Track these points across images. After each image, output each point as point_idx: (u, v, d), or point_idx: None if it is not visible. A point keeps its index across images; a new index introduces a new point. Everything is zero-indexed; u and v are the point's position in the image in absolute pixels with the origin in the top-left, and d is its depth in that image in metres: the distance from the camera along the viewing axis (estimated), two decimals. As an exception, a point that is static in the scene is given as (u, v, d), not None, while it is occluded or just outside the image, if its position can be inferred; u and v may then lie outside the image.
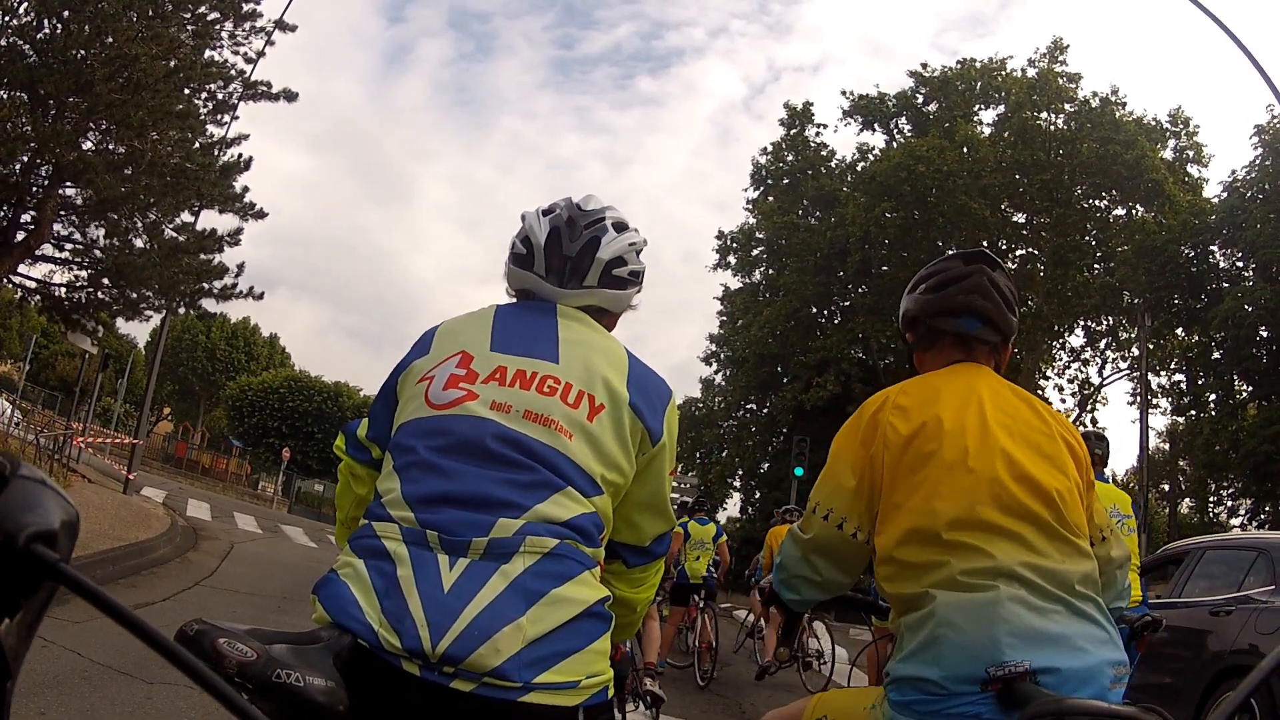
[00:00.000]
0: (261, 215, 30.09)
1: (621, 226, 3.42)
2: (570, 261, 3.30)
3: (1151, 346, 49.99)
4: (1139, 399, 47.30)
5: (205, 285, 29.39)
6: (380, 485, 2.87)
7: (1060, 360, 59.69)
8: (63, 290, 29.61)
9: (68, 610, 11.56)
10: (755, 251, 62.91)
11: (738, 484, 65.52)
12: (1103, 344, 57.68)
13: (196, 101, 28.88)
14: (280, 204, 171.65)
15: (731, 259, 63.14)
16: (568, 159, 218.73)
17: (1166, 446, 63.29)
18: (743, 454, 63.16)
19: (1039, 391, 55.64)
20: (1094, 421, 57.52)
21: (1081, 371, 59.14)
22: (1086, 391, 58.63)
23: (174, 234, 28.82)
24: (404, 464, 2.82)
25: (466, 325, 3.19)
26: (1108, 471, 11.20)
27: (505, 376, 2.94)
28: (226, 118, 30.31)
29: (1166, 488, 61.11)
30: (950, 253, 4.02)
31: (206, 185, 27.74)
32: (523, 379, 2.94)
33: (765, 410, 62.63)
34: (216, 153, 29.65)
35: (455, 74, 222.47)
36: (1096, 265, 53.44)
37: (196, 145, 28.53)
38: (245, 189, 29.81)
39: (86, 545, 15.54)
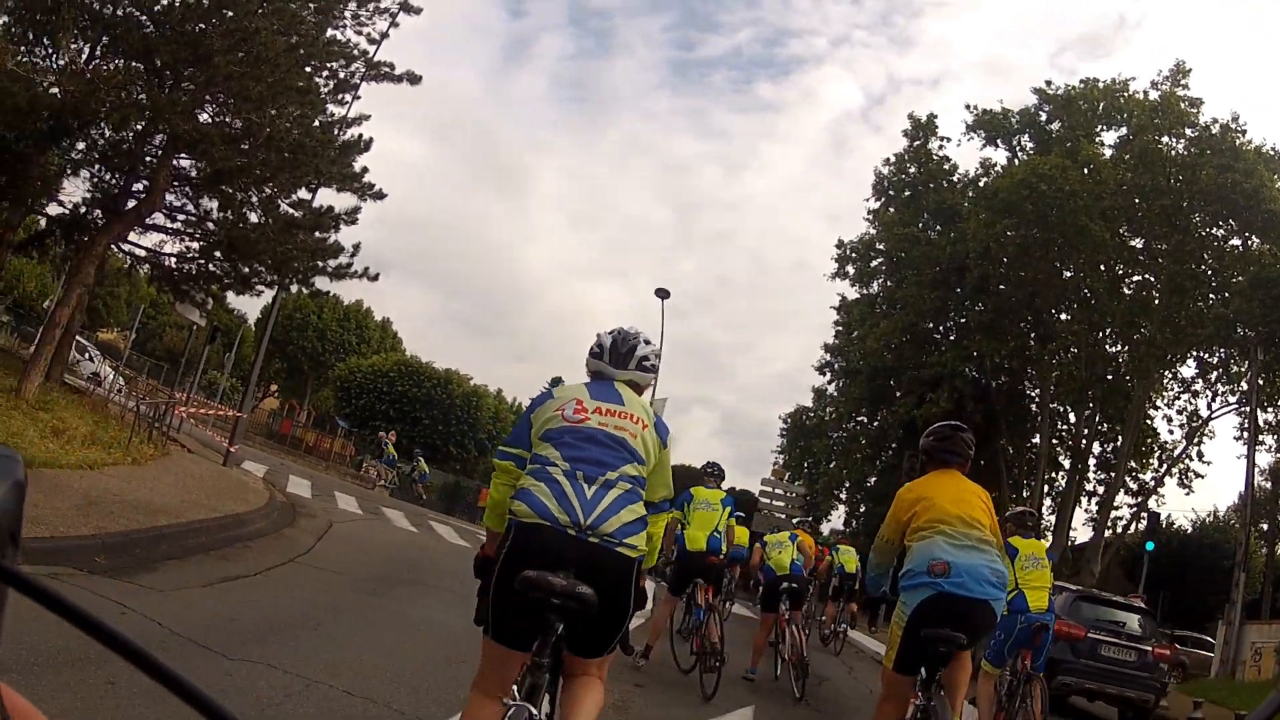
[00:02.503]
0: (380, 196, 30.00)
1: (647, 341, 6.65)
2: (621, 357, 6.50)
3: (1262, 382, 49.12)
4: (1247, 434, 46.77)
5: (319, 263, 29.16)
6: (540, 454, 5.98)
7: (1170, 391, 58.77)
8: (173, 260, 29.55)
9: (154, 578, 11.21)
10: (874, 263, 62.22)
11: (844, 496, 65.03)
12: (1213, 376, 56.70)
13: (318, 79, 28.70)
14: (395, 189, 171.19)
15: (850, 269, 62.39)
16: (682, 161, 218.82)
17: (1269, 484, 62.30)
18: (851, 466, 62.48)
19: (1148, 421, 58.27)
20: (1200, 455, 57.81)
21: (1191, 403, 58.19)
22: (1195, 424, 57.75)
23: (290, 210, 28.64)
24: (558, 444, 5.93)
25: (573, 388, 6.36)
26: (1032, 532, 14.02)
27: (603, 410, 6.13)
28: (348, 97, 30.15)
29: (1265, 527, 60.10)
30: (944, 424, 9.34)
31: (325, 163, 27.60)
32: (611, 411, 6.12)
33: (876, 424, 62.08)
34: (336, 131, 29.42)
35: (573, 69, 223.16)
36: (1212, 295, 52.13)
37: (316, 123, 28.21)
38: (364, 169, 29.67)
39: (180, 514, 15.38)
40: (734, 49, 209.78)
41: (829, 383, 65.77)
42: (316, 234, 28.85)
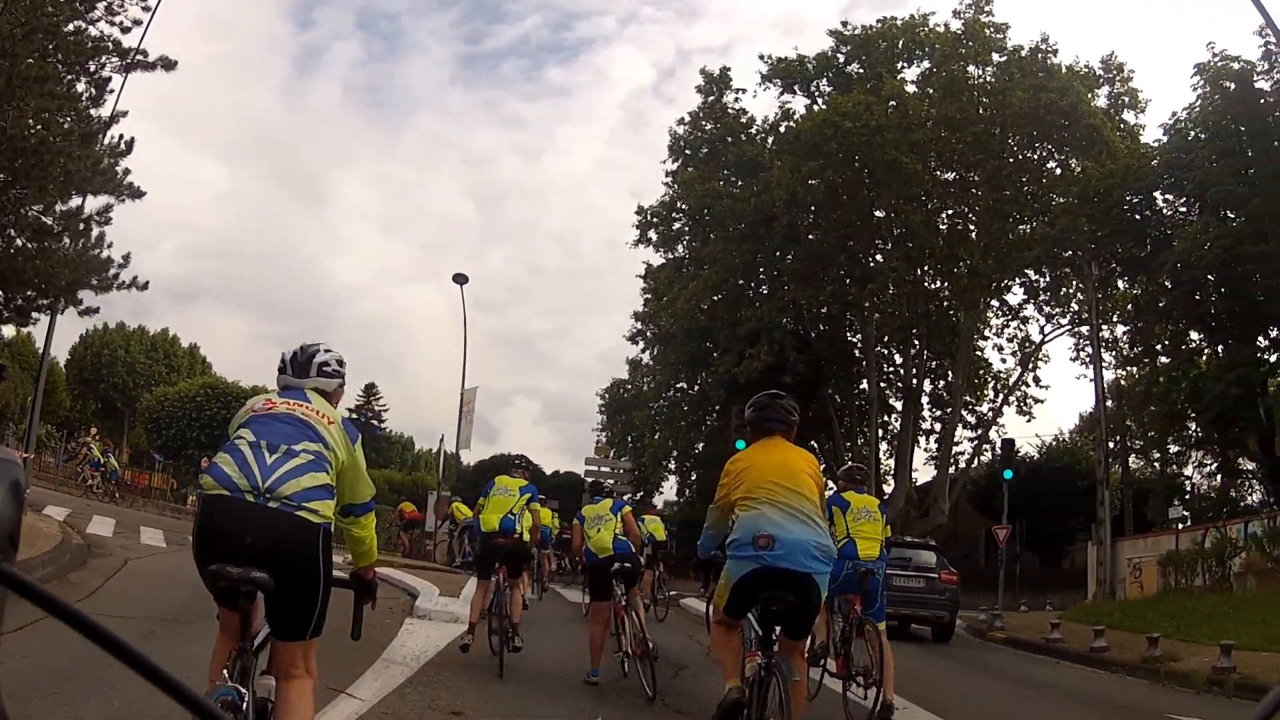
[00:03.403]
0: (138, 194, 27.95)
1: (328, 350, 7.23)
2: (301, 366, 7.02)
3: (1100, 296, 49.48)
4: (1092, 351, 47.94)
5: (87, 276, 27.08)
6: (232, 436, 6.54)
7: (999, 320, 58.57)
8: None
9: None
10: (676, 225, 61.20)
11: (673, 466, 64.28)
12: (1041, 299, 56.54)
13: (70, 76, 26.61)
14: (200, 217, 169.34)
15: (652, 234, 61.07)
16: (482, 154, 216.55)
17: (1110, 403, 62.35)
18: (676, 435, 61.59)
19: (978, 352, 59.09)
20: (1036, 380, 58.35)
21: (1021, 330, 58.03)
22: (1027, 350, 57.68)
23: (39, 217, 26.52)
24: (249, 425, 6.51)
25: (265, 394, 6.97)
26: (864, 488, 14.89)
27: (290, 403, 6.67)
28: (103, 96, 27.97)
29: (1113, 444, 60.05)
30: (762, 393, 9.89)
31: (78, 164, 25.41)
32: (298, 404, 6.68)
33: (696, 389, 61.24)
34: (98, 134, 27.33)
35: (366, 75, 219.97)
36: (1034, 219, 52.28)
37: (66, 124, 25.95)
38: (126, 170, 27.71)
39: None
40: (522, 37, 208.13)
41: (643, 351, 64.77)
42: (78, 244, 26.83)
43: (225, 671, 5.93)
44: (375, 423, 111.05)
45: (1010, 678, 21.96)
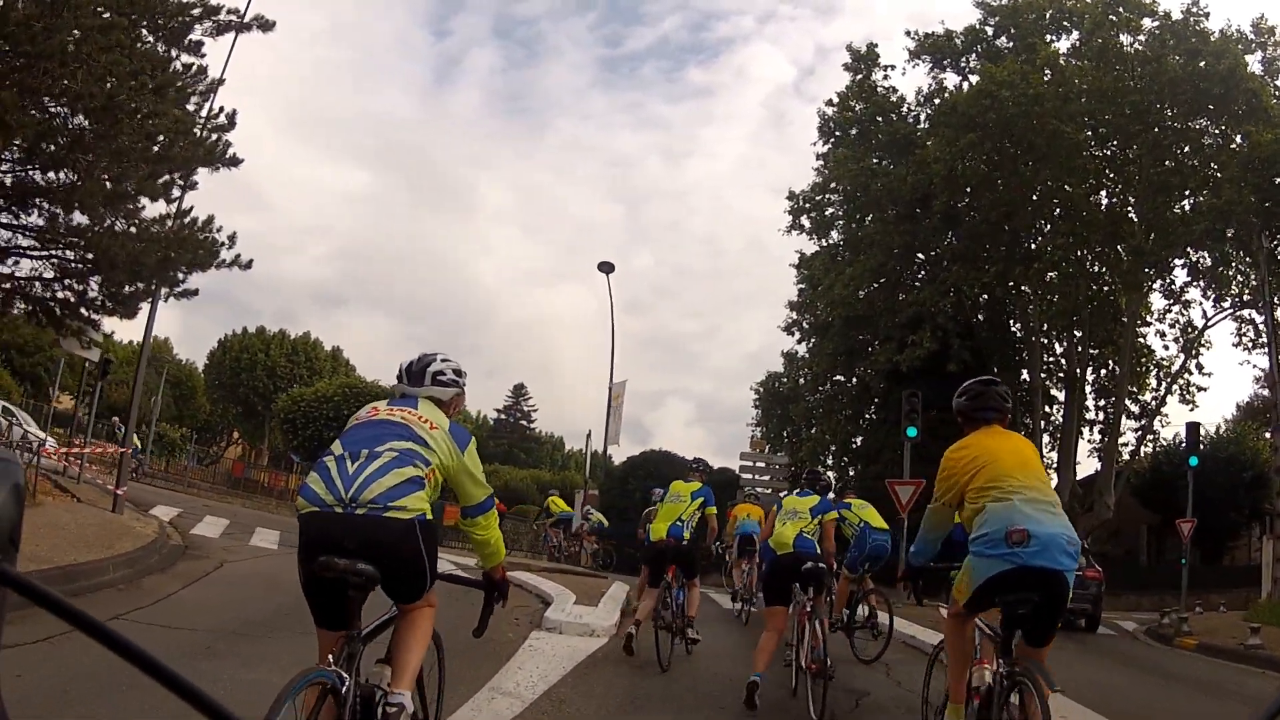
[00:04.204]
0: (235, 162, 25.92)
1: (444, 359, 7.33)
2: (415, 375, 7.19)
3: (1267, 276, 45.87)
4: (1267, 329, 44.56)
5: (179, 254, 25.01)
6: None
7: (1161, 305, 56.17)
8: (39, 287, 25.49)
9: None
10: (829, 211, 58.77)
11: (830, 461, 61.16)
12: (1204, 280, 54.18)
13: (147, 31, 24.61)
14: (344, 222, 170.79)
15: (805, 221, 58.61)
16: (624, 156, 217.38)
17: (1266, 391, 59.55)
18: (834, 429, 59.24)
19: (1141, 339, 56.34)
20: (1199, 367, 55.78)
21: (1183, 314, 55.68)
22: (1190, 335, 55.34)
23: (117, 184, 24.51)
24: (343, 437, 6.66)
25: (376, 403, 7.09)
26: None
27: (394, 409, 6.84)
28: (200, 58, 25.98)
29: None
30: (975, 380, 9.20)
31: (158, 123, 23.40)
32: (401, 409, 6.83)
33: (854, 381, 59.21)
34: (185, 91, 25.33)
35: (506, 81, 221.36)
36: (1197, 192, 49.39)
37: (142, 81, 23.72)
38: (227, 144, 25.78)
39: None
40: (661, 38, 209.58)
41: (799, 343, 62.47)
42: (174, 224, 24.85)
43: (330, 656, 6.10)
44: (524, 423, 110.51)
45: (1227, 694, 19.13)
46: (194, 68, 25.79)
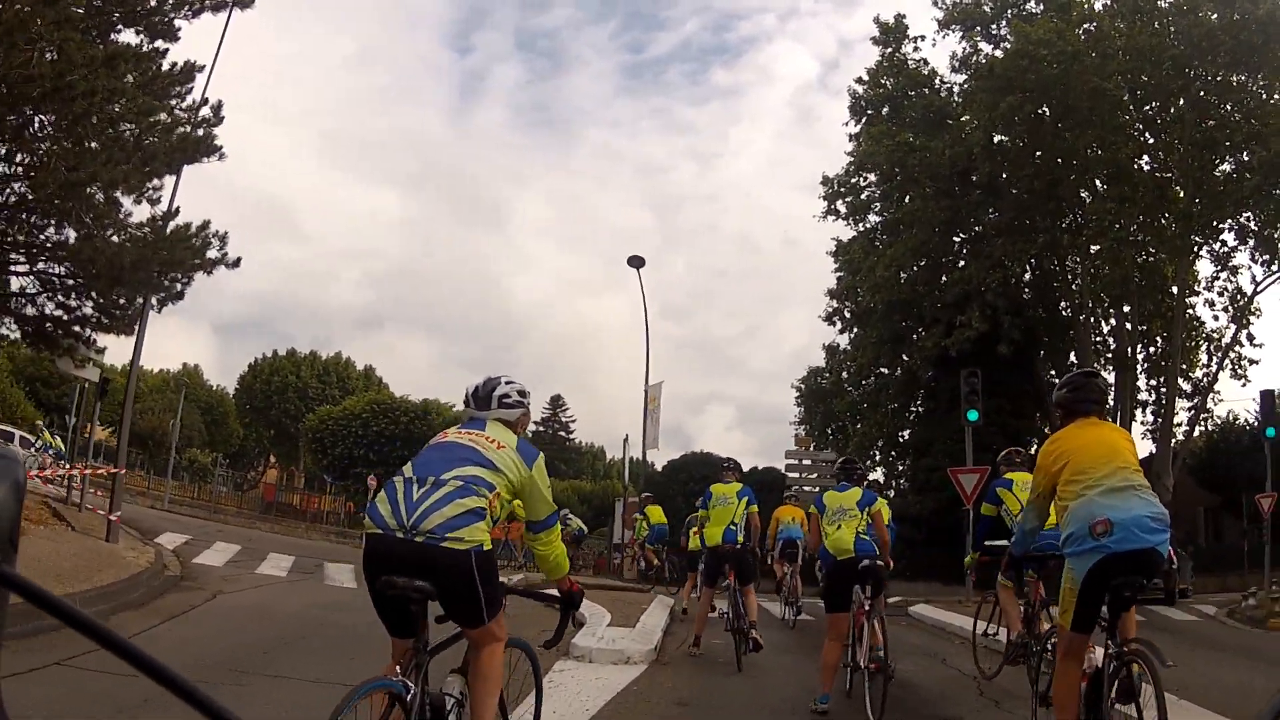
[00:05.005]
0: (211, 150, 24.47)
1: (508, 382, 7.60)
2: (482, 400, 7.47)
3: None
4: None
5: (156, 254, 23.37)
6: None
7: (1208, 272, 54.18)
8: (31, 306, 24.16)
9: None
10: (864, 194, 56.91)
11: (878, 456, 60.31)
12: (1253, 244, 51.72)
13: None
14: (379, 243, 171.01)
15: (840, 206, 56.79)
16: (654, 162, 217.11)
17: None
18: (881, 422, 58.03)
19: (1190, 310, 54.47)
20: (1250, 338, 53.62)
21: (1231, 281, 53.40)
22: (1239, 303, 53.16)
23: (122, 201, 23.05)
24: (414, 458, 7.08)
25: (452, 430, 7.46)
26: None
27: (463, 432, 7.22)
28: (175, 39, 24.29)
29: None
30: (1076, 372, 9.86)
31: (158, 136, 21.80)
32: (470, 432, 7.19)
33: (899, 371, 57.66)
34: (149, 70, 23.61)
35: (531, 94, 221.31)
36: (1243, 149, 47.09)
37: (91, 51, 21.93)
38: (211, 137, 24.22)
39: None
40: (683, 42, 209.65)
41: (840, 333, 60.57)
42: (157, 228, 23.24)
43: (398, 667, 6.37)
44: (563, 434, 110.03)
45: None
46: (170, 57, 24.21)
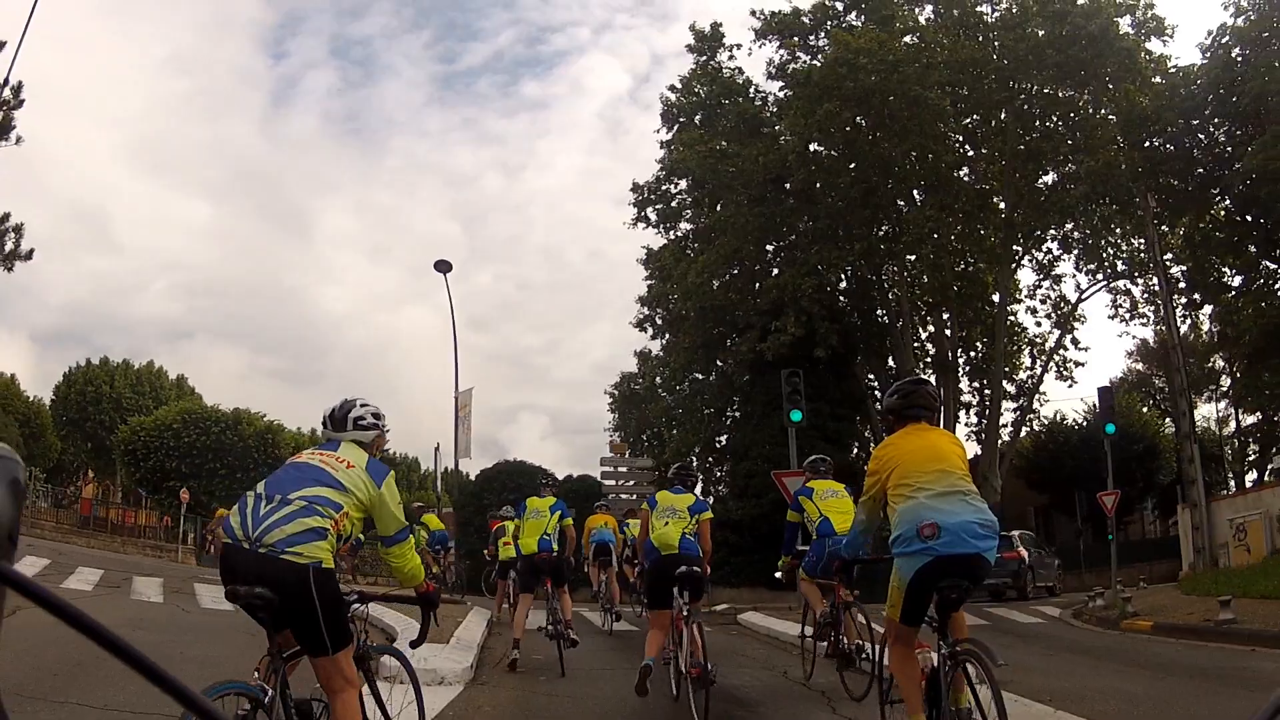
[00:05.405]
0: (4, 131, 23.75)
1: (364, 404, 7.92)
2: (338, 421, 7.77)
3: (1143, 243, 47.95)
4: (1160, 287, 44.40)
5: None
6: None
7: (1030, 280, 56.19)
8: None
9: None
10: (675, 202, 57.14)
11: (695, 462, 58.03)
12: (1077, 252, 53.84)
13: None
14: (188, 255, 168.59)
15: (651, 214, 56.94)
16: (464, 172, 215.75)
17: (1141, 364, 65.13)
18: (697, 427, 58.32)
19: (1012, 317, 55.82)
20: (1075, 342, 55.50)
21: (1054, 289, 55.50)
22: (1063, 310, 55.20)
23: None
24: (269, 476, 7.46)
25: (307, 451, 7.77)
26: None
27: (317, 453, 7.50)
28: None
29: (1152, 403, 57.98)
30: (906, 379, 9.99)
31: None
32: (322, 453, 7.50)
33: (714, 375, 57.97)
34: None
35: (344, 103, 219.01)
36: (1069, 160, 48.52)
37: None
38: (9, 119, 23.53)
39: None
40: (496, 53, 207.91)
41: (652, 339, 60.87)
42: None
43: (257, 673, 6.77)
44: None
45: (1252, 683, 15.09)
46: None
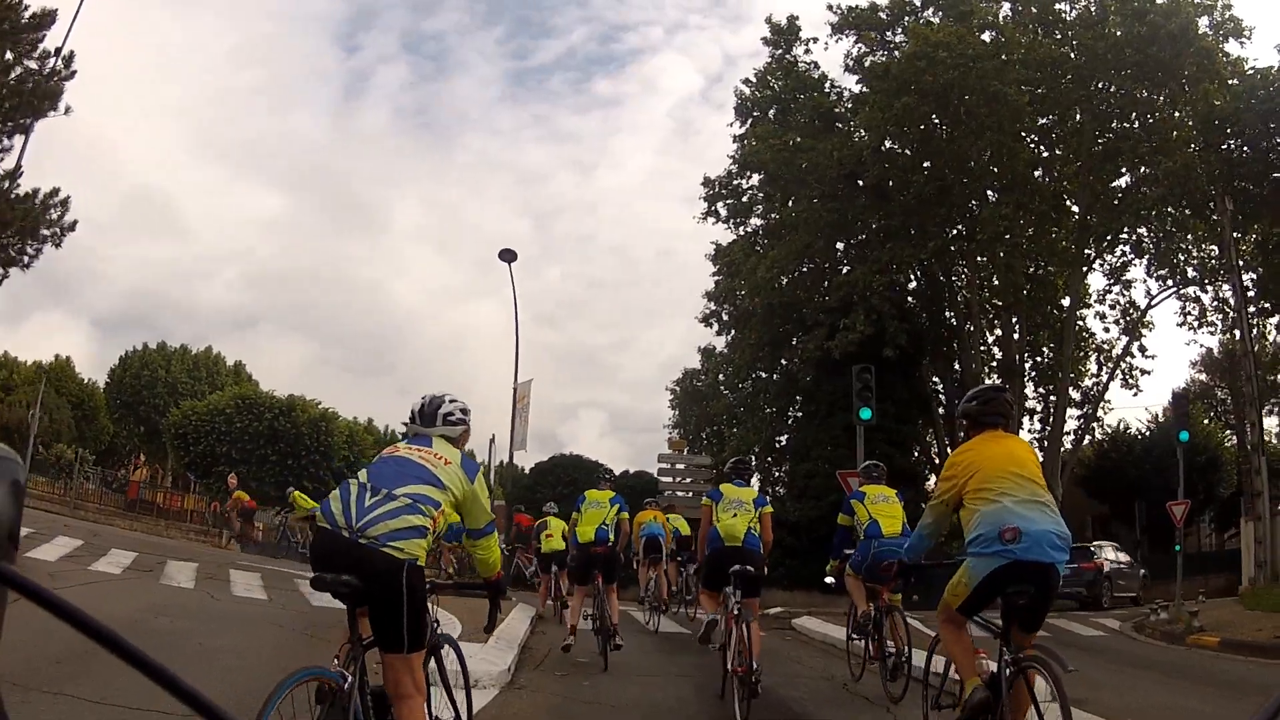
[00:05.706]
0: (52, 98, 23.15)
1: (452, 400, 8.10)
2: (428, 417, 7.93)
3: (1216, 249, 47.33)
4: (1233, 294, 42.68)
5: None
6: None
7: (1100, 285, 54.82)
8: None
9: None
10: (746, 197, 56.09)
11: (754, 461, 56.87)
12: (1148, 257, 52.31)
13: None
14: (257, 245, 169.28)
15: (721, 208, 56.01)
16: (534, 170, 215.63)
17: (1204, 375, 62.86)
18: (759, 426, 57.36)
19: (1080, 322, 54.69)
20: (1142, 350, 54.16)
21: (1124, 295, 54.08)
22: (1131, 316, 53.90)
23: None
24: (369, 465, 7.67)
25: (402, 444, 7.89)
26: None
27: (413, 448, 7.64)
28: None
29: (1213, 414, 58.19)
30: (985, 385, 11.60)
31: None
32: (418, 449, 7.64)
33: (778, 374, 56.83)
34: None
35: (415, 96, 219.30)
36: (1145, 161, 47.18)
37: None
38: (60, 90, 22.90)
39: None
40: (569, 50, 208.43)
41: (718, 334, 59.63)
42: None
43: (336, 659, 6.95)
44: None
45: None
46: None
